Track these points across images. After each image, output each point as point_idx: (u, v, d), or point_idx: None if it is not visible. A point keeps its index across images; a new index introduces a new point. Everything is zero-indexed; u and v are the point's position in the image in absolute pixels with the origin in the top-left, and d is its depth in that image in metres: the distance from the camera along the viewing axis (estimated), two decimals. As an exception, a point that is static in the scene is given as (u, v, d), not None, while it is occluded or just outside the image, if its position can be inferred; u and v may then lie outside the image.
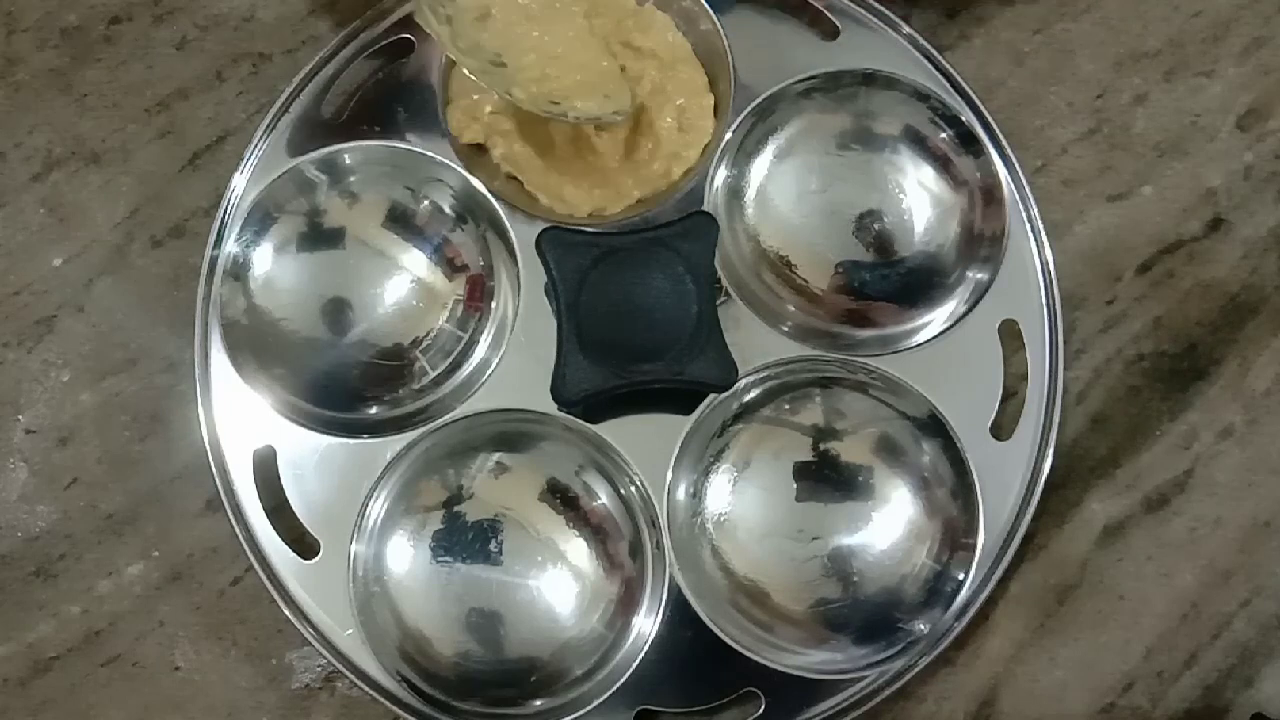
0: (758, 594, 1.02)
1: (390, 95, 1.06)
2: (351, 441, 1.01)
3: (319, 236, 1.04)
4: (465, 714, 0.99)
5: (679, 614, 0.99)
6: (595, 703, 0.98)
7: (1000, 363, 1.04)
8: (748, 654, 0.99)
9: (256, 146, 1.05)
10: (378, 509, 1.01)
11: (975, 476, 1.01)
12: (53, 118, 1.10)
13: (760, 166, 1.07)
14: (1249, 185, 1.12)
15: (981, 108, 1.08)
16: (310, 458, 1.01)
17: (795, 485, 1.03)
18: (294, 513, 1.01)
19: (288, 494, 1.01)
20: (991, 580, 1.02)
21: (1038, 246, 1.07)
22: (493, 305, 1.05)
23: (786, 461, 1.03)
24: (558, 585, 1.00)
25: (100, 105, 1.11)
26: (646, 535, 1.01)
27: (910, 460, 1.03)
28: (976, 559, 1.00)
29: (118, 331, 1.08)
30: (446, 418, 1.01)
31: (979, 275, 1.05)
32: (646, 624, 0.99)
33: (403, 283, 1.04)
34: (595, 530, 1.01)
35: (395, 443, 1.00)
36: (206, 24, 1.11)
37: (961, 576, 1.01)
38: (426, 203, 1.05)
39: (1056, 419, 1.04)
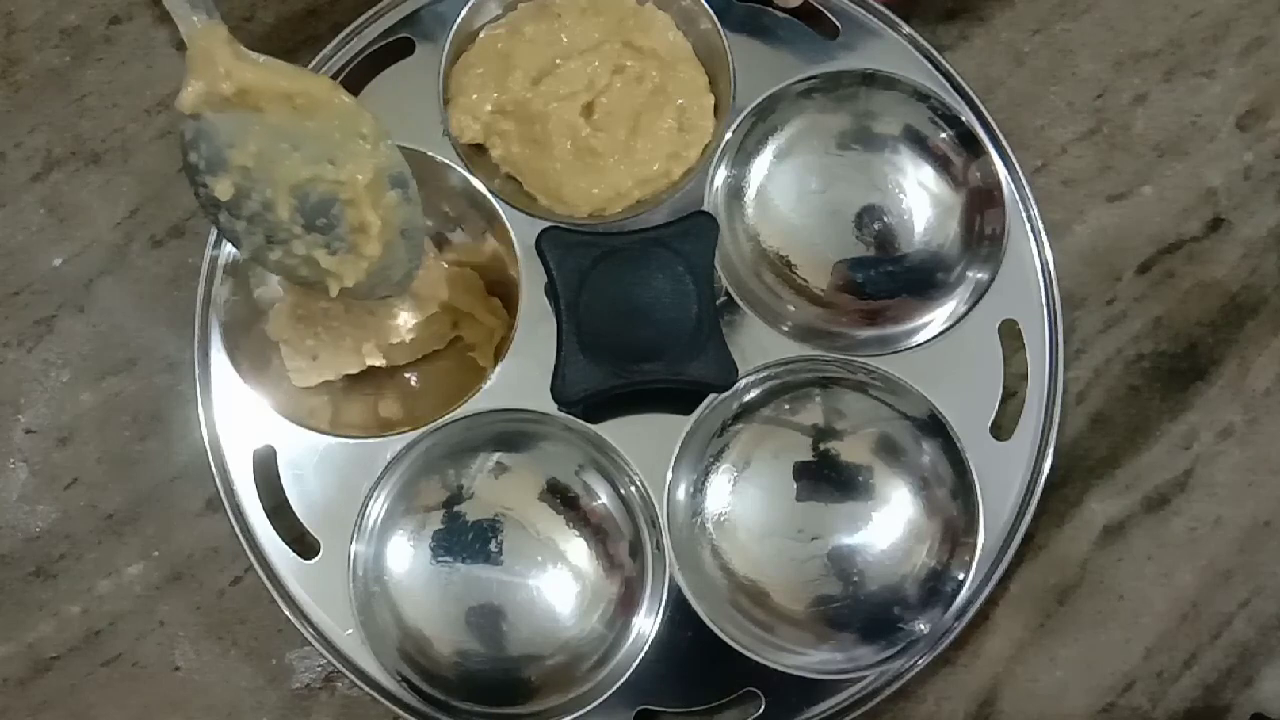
0: (758, 594, 1.02)
1: (390, 94, 1.06)
2: (351, 441, 1.01)
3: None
4: (465, 714, 0.99)
5: (679, 614, 0.99)
6: (595, 703, 0.98)
7: (1000, 362, 1.04)
8: (748, 654, 0.99)
9: (256, 146, 1.05)
10: (378, 509, 1.01)
11: (975, 476, 1.01)
12: (53, 118, 1.10)
13: (760, 166, 1.08)
14: (1249, 185, 1.12)
15: (981, 108, 1.07)
16: (310, 457, 1.01)
17: (795, 485, 1.03)
18: (294, 512, 1.01)
19: (288, 494, 1.01)
20: (991, 580, 1.02)
21: (1038, 246, 1.06)
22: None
23: (786, 461, 1.03)
24: (558, 585, 1.01)
25: (100, 105, 1.10)
26: (646, 535, 1.01)
27: (910, 460, 1.03)
28: (976, 559, 1.01)
29: (118, 331, 1.08)
30: (446, 417, 1.01)
31: (979, 275, 1.05)
32: (646, 624, 0.99)
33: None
34: (595, 530, 1.02)
35: (395, 442, 1.00)
36: (206, 24, 1.11)
37: (961, 576, 1.01)
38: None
39: (1056, 419, 1.04)
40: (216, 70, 0.85)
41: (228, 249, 1.02)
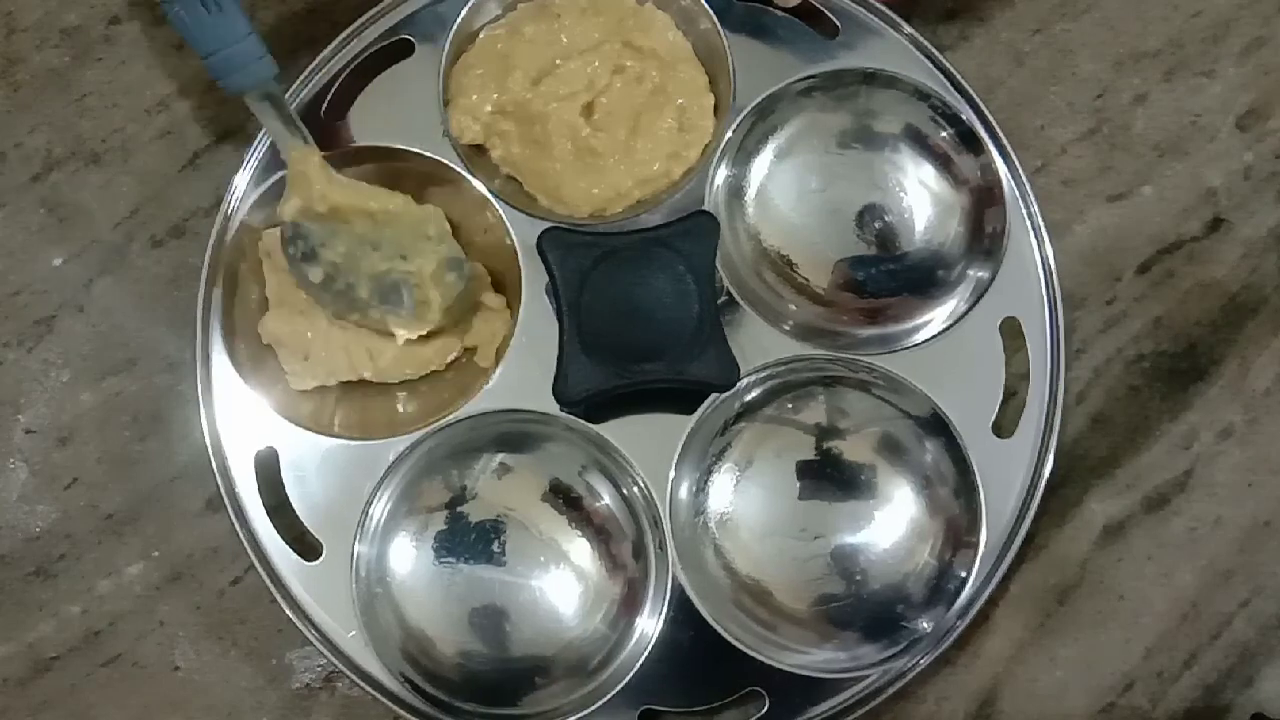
0: (760, 593, 1.02)
1: (390, 95, 1.06)
2: (353, 442, 1.01)
3: (319, 236, 1.04)
4: (467, 714, 0.99)
5: (682, 614, 0.99)
6: (599, 703, 0.98)
7: (1001, 360, 1.04)
8: (751, 653, 0.99)
9: (257, 146, 1.04)
10: (380, 509, 1.01)
11: (977, 475, 1.01)
12: (53, 118, 1.10)
13: (761, 166, 1.08)
14: (1249, 185, 1.12)
15: (982, 107, 1.07)
16: (312, 458, 1.01)
17: (798, 484, 1.03)
18: (296, 514, 1.01)
19: (290, 495, 1.01)
20: (994, 579, 1.02)
21: (1038, 242, 1.06)
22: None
23: (789, 460, 1.04)
24: (561, 586, 1.01)
25: (100, 105, 1.10)
26: (649, 535, 1.01)
27: (912, 459, 1.03)
28: (979, 557, 1.01)
29: (118, 331, 1.08)
30: (449, 418, 1.01)
31: (980, 273, 1.05)
32: (649, 624, 1.00)
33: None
34: (598, 530, 1.02)
35: (397, 443, 1.00)
36: (206, 23, 1.11)
37: (964, 574, 1.01)
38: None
39: (1059, 415, 1.04)
40: (312, 191, 0.99)
41: (228, 250, 1.03)
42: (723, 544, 1.03)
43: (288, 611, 0.99)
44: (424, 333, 1.02)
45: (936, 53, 1.08)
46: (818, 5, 1.08)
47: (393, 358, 1.03)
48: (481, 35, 1.06)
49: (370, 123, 1.05)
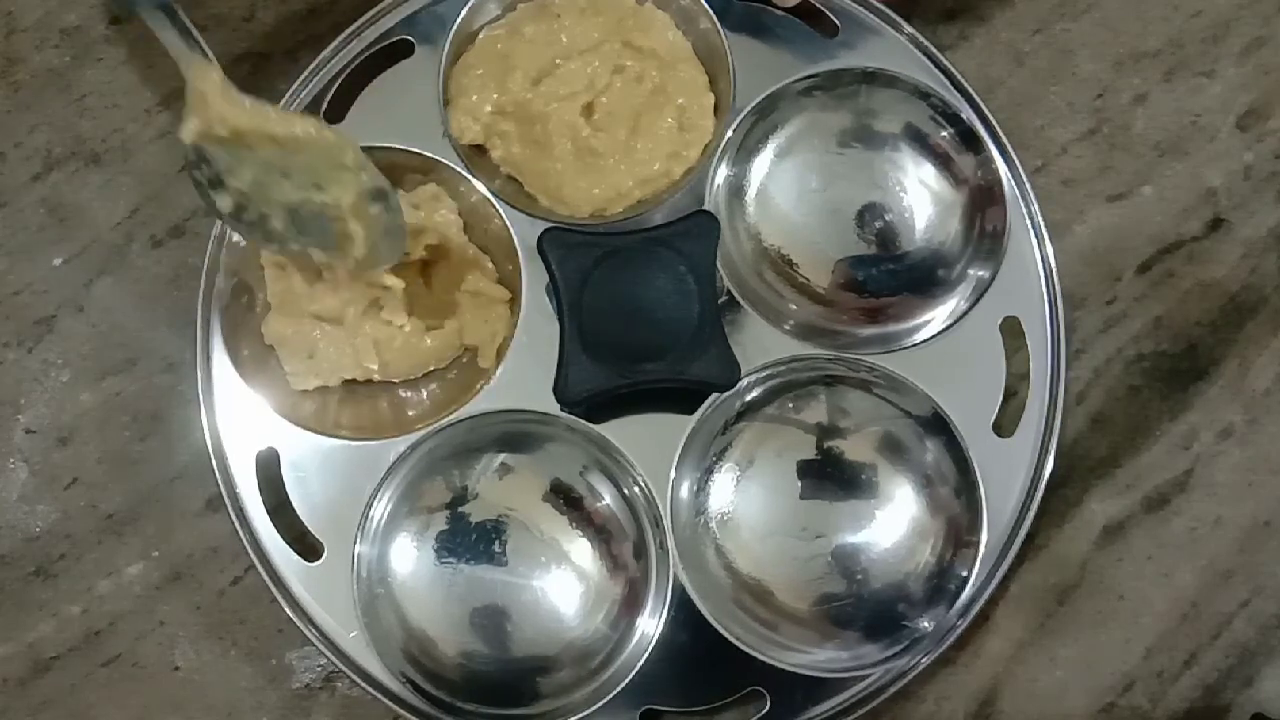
0: (762, 592, 1.02)
1: (390, 95, 1.06)
2: (354, 443, 1.01)
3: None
4: (469, 714, 0.99)
5: (683, 613, 0.99)
6: (600, 703, 0.98)
7: (1002, 359, 1.04)
8: (752, 653, 0.99)
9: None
10: (381, 510, 1.01)
11: (978, 474, 1.01)
12: (53, 118, 1.10)
13: (761, 165, 1.08)
14: (1249, 185, 1.12)
15: (982, 107, 1.07)
16: (313, 459, 1.01)
17: (799, 483, 1.03)
18: (297, 514, 1.01)
19: (291, 496, 1.01)
20: (995, 578, 1.02)
21: (1038, 242, 1.06)
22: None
23: (790, 460, 1.03)
24: (562, 586, 1.01)
25: (100, 105, 1.10)
26: (650, 535, 1.01)
27: (913, 458, 1.03)
28: (980, 556, 1.01)
29: (118, 331, 1.08)
30: (450, 418, 1.01)
31: (980, 272, 1.06)
32: (651, 624, 0.99)
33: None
34: (599, 530, 1.02)
35: (398, 444, 1.00)
36: (206, 24, 1.11)
37: (965, 573, 1.01)
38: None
39: (1059, 415, 1.04)
40: (210, 113, 0.92)
41: (228, 250, 1.03)
42: (724, 543, 1.03)
43: (288, 612, 0.99)
44: (352, 268, 0.98)
45: (936, 52, 1.08)
46: (818, 5, 1.09)
47: (394, 356, 1.03)
48: (481, 35, 1.06)
49: (370, 123, 1.05)
